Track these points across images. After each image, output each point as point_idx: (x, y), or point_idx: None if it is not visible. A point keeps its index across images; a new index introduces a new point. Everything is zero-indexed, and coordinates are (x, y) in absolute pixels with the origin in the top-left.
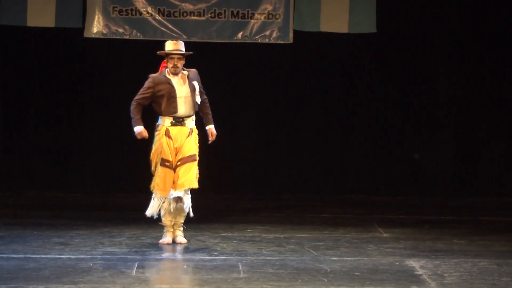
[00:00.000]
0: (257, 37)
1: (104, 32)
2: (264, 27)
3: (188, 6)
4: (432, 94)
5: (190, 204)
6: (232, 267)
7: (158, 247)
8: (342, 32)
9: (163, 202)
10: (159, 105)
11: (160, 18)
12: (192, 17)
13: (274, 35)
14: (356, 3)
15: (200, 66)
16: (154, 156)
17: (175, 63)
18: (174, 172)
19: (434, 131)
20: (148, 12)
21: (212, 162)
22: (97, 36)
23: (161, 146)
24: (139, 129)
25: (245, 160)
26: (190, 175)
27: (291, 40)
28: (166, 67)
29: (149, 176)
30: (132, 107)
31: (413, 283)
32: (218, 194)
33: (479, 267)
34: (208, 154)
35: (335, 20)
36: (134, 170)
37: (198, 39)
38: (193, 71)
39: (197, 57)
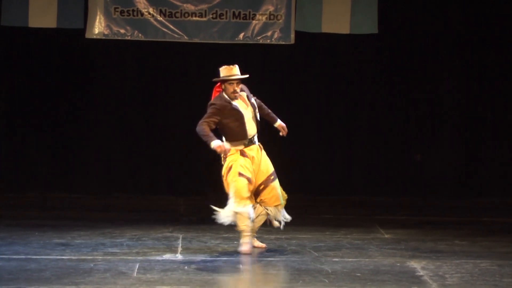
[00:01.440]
0: (258, 37)
1: (106, 33)
2: (266, 27)
3: (190, 7)
4: (434, 95)
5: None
6: (234, 268)
7: (159, 248)
8: (343, 33)
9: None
10: (229, 130)
11: (161, 18)
12: (194, 18)
13: (276, 35)
14: (357, 4)
15: (202, 67)
16: (226, 171)
17: (235, 88)
18: (259, 192)
19: (437, 132)
20: (149, 13)
21: (214, 163)
22: (98, 37)
23: (237, 162)
24: (218, 143)
25: None
26: (278, 193)
27: (292, 41)
28: (221, 91)
29: (150, 176)
30: (200, 127)
31: (415, 284)
32: (220, 195)
33: (480, 268)
34: (209, 155)
35: (336, 21)
36: (136, 171)
37: (199, 40)
38: (245, 87)
39: (198, 58)
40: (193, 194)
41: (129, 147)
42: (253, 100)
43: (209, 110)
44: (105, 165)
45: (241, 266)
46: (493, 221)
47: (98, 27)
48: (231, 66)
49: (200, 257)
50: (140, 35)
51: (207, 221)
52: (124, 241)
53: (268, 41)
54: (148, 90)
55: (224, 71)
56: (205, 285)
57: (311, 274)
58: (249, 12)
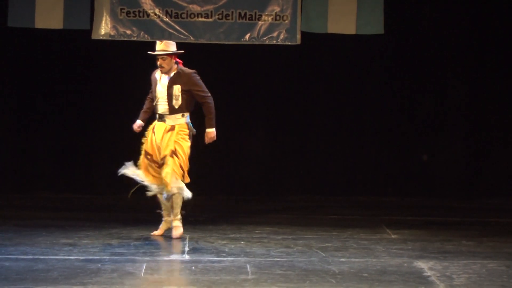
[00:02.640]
0: (264, 38)
1: (112, 33)
2: (272, 28)
3: (196, 8)
4: (440, 95)
5: (183, 191)
6: (240, 268)
7: (166, 248)
8: (349, 34)
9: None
10: None
11: (167, 19)
12: (200, 19)
13: (282, 36)
14: (363, 5)
15: (208, 67)
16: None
17: (159, 63)
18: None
19: (443, 132)
20: (155, 14)
21: (220, 163)
22: (104, 38)
23: (146, 140)
24: (135, 123)
25: (253, 161)
26: (167, 172)
27: (298, 42)
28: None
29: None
30: None
31: (422, 285)
32: (226, 195)
33: (488, 269)
34: (216, 155)
35: (342, 21)
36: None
37: (205, 40)
38: (186, 74)
39: (204, 59)
40: (199, 194)
41: (136, 147)
42: (177, 86)
43: None
44: (112, 165)
45: (248, 266)
46: (500, 222)
47: (105, 28)
48: (161, 41)
49: (207, 257)
50: (146, 36)
51: (214, 221)
52: (131, 242)
53: (274, 41)
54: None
55: (155, 45)
56: (212, 285)
57: (318, 274)
58: (255, 13)
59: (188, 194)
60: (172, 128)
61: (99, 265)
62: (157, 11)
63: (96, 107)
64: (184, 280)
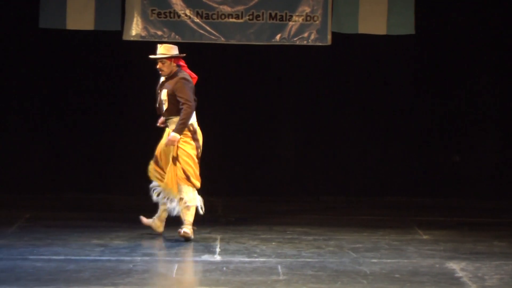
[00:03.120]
0: (295, 39)
1: (143, 34)
2: (302, 29)
3: (226, 9)
4: (472, 95)
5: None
6: (272, 269)
7: (197, 249)
8: (380, 34)
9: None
10: None
11: (198, 20)
12: (230, 20)
13: (312, 37)
14: (394, 5)
15: (238, 68)
16: None
17: (159, 66)
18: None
19: (474, 132)
20: (186, 15)
21: (251, 163)
22: (135, 39)
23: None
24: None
25: (284, 161)
26: (168, 179)
27: (329, 42)
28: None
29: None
30: None
31: (453, 286)
32: (257, 196)
33: None
34: (247, 156)
35: (373, 21)
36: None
37: (236, 41)
38: (176, 78)
39: (235, 59)
40: (231, 195)
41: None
42: (165, 91)
43: None
44: (143, 166)
45: (279, 267)
46: None
47: (135, 29)
48: (160, 45)
49: (238, 258)
50: (177, 37)
51: (246, 222)
52: (163, 242)
53: (305, 42)
54: None
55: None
56: (243, 286)
57: (349, 275)
58: (286, 14)
59: (194, 203)
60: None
61: (131, 265)
62: (187, 12)
63: (128, 107)
64: (216, 281)
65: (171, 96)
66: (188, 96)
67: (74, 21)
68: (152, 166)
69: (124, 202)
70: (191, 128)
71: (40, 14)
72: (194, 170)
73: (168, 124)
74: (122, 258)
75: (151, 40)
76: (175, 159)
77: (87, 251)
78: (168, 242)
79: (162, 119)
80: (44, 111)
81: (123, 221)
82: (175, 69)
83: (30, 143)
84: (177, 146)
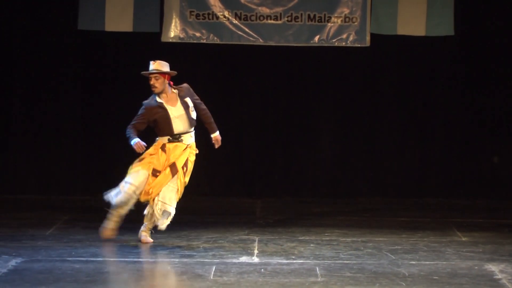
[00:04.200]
0: (334, 40)
1: (181, 36)
2: (341, 30)
3: (265, 10)
4: (511, 96)
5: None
6: (310, 271)
7: (235, 251)
8: (419, 35)
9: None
10: (156, 128)
11: (237, 22)
12: (269, 21)
13: (351, 38)
14: (433, 6)
15: (277, 69)
16: (143, 159)
17: (152, 82)
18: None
19: None
20: (225, 16)
21: (289, 165)
22: (174, 41)
23: (154, 158)
24: (135, 141)
25: (322, 163)
26: (165, 191)
27: (368, 43)
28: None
29: (226, 178)
30: (127, 129)
31: None
32: (295, 197)
33: None
34: (285, 157)
35: (412, 23)
36: (212, 173)
37: (274, 43)
38: (184, 87)
39: (274, 61)
40: (269, 196)
41: (205, 149)
42: (187, 100)
43: (139, 111)
44: None
45: (317, 268)
46: None
47: (174, 31)
48: (154, 61)
49: (276, 260)
50: (215, 38)
51: (284, 223)
52: (201, 244)
53: (344, 43)
54: (223, 92)
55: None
56: (281, 287)
57: (388, 277)
58: (324, 15)
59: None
60: (187, 148)
61: (169, 267)
62: (226, 13)
63: None
64: (253, 282)
65: (191, 106)
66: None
67: (112, 23)
68: (149, 178)
69: None
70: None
71: (79, 16)
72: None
73: (182, 139)
74: (160, 259)
75: (190, 41)
76: (175, 171)
77: (126, 252)
78: (206, 243)
79: (141, 145)
80: (81, 112)
81: None
82: (167, 86)
83: (70, 144)
84: (188, 160)
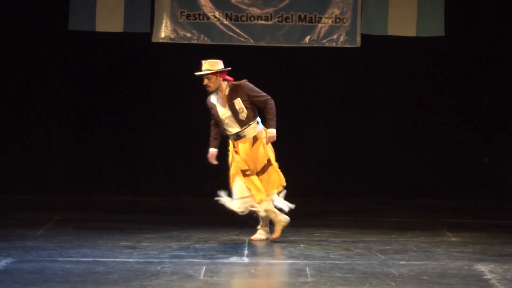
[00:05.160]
0: (324, 41)
1: (172, 36)
2: (332, 31)
3: (256, 11)
4: (501, 97)
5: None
6: (300, 271)
7: (225, 251)
8: (410, 36)
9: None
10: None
11: (227, 22)
12: (260, 22)
13: (342, 39)
14: (424, 7)
15: (267, 70)
16: (232, 170)
17: (205, 83)
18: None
19: (504, 134)
20: (215, 17)
21: (279, 166)
22: (165, 41)
23: (236, 160)
24: (209, 152)
25: (313, 163)
26: (272, 181)
27: (358, 44)
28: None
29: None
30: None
31: None
32: (285, 198)
33: None
34: (276, 158)
35: (403, 23)
36: (203, 174)
37: (265, 43)
38: (239, 85)
39: (264, 61)
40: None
41: (196, 150)
42: (236, 101)
43: None
44: (172, 168)
45: (307, 269)
46: None
47: (165, 31)
48: (205, 60)
49: (266, 260)
50: (206, 39)
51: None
52: (191, 244)
53: (334, 44)
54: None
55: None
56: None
57: (378, 277)
58: (315, 16)
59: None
60: (256, 139)
61: (159, 267)
62: (217, 14)
63: (155, 110)
64: (244, 283)
65: (246, 102)
66: (262, 92)
67: (103, 23)
68: (247, 179)
69: (152, 203)
70: (264, 130)
71: (69, 16)
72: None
73: (245, 134)
74: (150, 260)
75: (180, 42)
76: (270, 162)
77: (116, 253)
78: (197, 244)
79: (213, 151)
80: (72, 113)
81: (151, 222)
82: (222, 83)
83: (61, 145)
84: (265, 149)
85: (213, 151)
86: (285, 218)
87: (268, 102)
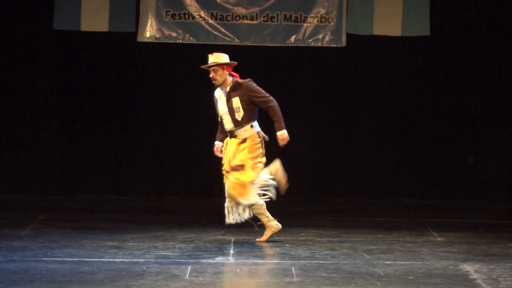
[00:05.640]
0: (310, 40)
1: (157, 36)
2: (317, 30)
3: (241, 10)
4: (486, 97)
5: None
6: (285, 271)
7: (211, 251)
8: (395, 35)
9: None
10: None
11: (213, 22)
12: (245, 21)
13: (327, 38)
14: (409, 6)
15: (253, 69)
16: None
17: (212, 76)
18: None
19: (489, 134)
20: (201, 16)
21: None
22: (150, 41)
23: (223, 158)
24: (214, 145)
25: (298, 163)
26: (235, 190)
27: (344, 44)
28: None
29: (202, 179)
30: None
31: (468, 287)
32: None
33: None
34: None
35: (388, 23)
36: (187, 174)
37: (251, 43)
38: (242, 84)
39: (249, 61)
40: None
41: (180, 150)
42: (235, 99)
43: None
44: (156, 168)
45: (293, 269)
46: None
47: (150, 31)
48: (211, 54)
49: (252, 260)
50: (191, 38)
51: (259, 224)
52: (176, 244)
53: (320, 44)
54: (199, 93)
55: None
56: None
57: (363, 277)
58: (300, 15)
59: (256, 201)
60: (244, 141)
61: (144, 267)
62: (202, 13)
63: (140, 109)
64: (229, 282)
65: (245, 102)
66: (265, 93)
67: (88, 23)
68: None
69: (137, 203)
70: (259, 134)
71: (54, 15)
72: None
73: (236, 135)
74: (135, 260)
75: (166, 41)
76: (241, 167)
77: (101, 252)
78: (182, 244)
79: (218, 144)
80: (57, 113)
81: (136, 222)
82: (228, 77)
83: (43, 145)
84: (247, 155)
85: (217, 144)
86: (277, 225)
87: (270, 104)
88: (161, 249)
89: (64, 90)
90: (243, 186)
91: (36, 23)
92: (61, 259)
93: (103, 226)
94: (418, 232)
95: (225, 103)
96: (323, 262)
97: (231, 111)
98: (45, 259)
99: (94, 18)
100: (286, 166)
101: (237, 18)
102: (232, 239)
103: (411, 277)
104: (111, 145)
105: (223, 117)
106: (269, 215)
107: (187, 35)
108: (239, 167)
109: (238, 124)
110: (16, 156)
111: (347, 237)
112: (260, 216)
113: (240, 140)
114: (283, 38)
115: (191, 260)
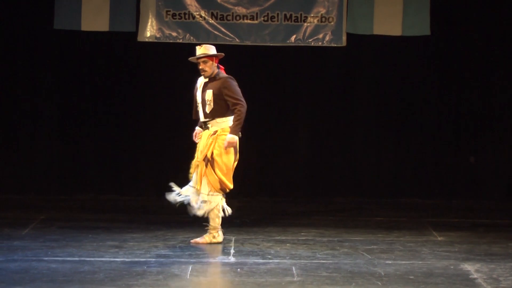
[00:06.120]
0: (310, 40)
1: (158, 36)
2: (317, 30)
3: (241, 10)
4: (487, 96)
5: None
6: (286, 270)
7: (212, 251)
8: (395, 35)
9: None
10: None
11: (213, 21)
12: (245, 21)
13: (327, 38)
14: (409, 6)
15: (253, 69)
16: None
17: (201, 67)
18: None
19: (490, 133)
20: (201, 16)
21: (265, 165)
22: (150, 40)
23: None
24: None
25: (298, 163)
26: (202, 181)
27: (344, 43)
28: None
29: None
30: None
31: (468, 287)
32: (271, 197)
33: None
34: (261, 157)
35: (388, 23)
36: (187, 173)
37: (251, 42)
38: (219, 78)
39: (250, 60)
40: (245, 196)
41: (180, 150)
42: (209, 92)
43: None
44: (157, 167)
45: (293, 268)
46: None
47: (150, 30)
48: (200, 45)
49: (252, 260)
50: (192, 38)
51: (260, 223)
52: (177, 244)
53: (320, 43)
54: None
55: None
56: (257, 287)
57: (364, 276)
58: (301, 15)
59: (219, 211)
60: (214, 133)
61: (145, 267)
62: (202, 13)
63: (141, 109)
64: (230, 282)
65: (217, 96)
66: (239, 95)
67: (88, 23)
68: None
69: (138, 203)
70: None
71: (55, 15)
72: (228, 173)
73: (209, 126)
74: (136, 259)
75: (166, 41)
76: (209, 160)
77: (102, 252)
78: (183, 243)
79: (197, 129)
80: (58, 113)
81: (137, 222)
82: (216, 70)
83: (44, 145)
84: (214, 147)
85: (197, 129)
86: (219, 236)
87: (238, 108)
88: (161, 248)
89: (64, 90)
90: (212, 179)
91: (36, 23)
92: (62, 258)
93: (104, 226)
94: (418, 231)
95: (200, 93)
96: (323, 261)
97: (203, 103)
98: (46, 258)
99: (95, 18)
100: (286, 166)
101: (237, 17)
102: (233, 238)
103: (411, 277)
104: (111, 145)
105: (199, 106)
106: (218, 224)
107: (188, 34)
108: (207, 160)
109: (207, 116)
110: (16, 155)
111: (348, 236)
112: (211, 221)
113: (211, 132)
114: (283, 38)
115: (191, 260)
